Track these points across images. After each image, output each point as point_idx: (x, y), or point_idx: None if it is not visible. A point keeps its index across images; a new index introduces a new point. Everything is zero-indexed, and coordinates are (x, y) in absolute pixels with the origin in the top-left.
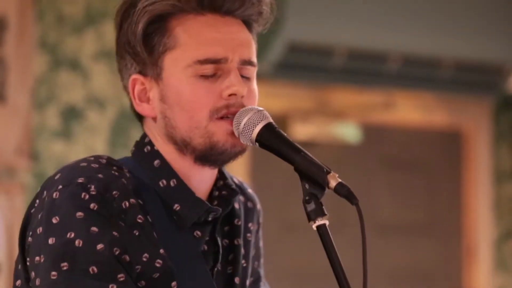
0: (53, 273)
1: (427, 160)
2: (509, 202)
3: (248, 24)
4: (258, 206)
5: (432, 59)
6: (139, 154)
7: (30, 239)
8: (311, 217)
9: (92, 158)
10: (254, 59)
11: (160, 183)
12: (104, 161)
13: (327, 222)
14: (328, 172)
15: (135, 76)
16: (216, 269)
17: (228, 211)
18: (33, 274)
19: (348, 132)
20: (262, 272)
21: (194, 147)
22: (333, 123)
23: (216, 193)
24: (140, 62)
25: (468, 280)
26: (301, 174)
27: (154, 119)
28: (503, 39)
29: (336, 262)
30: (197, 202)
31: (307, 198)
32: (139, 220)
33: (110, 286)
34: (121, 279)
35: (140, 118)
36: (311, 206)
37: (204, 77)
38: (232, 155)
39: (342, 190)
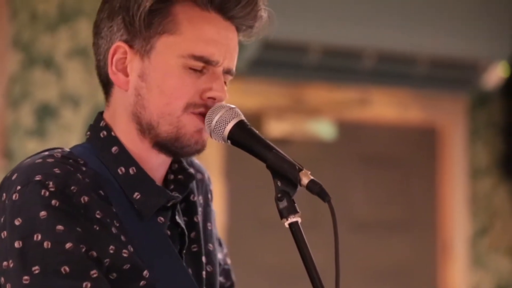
0: (25, 277)
1: (403, 157)
2: (484, 198)
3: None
4: (206, 174)
5: (407, 55)
6: (95, 140)
7: None
8: (283, 215)
9: (47, 153)
10: (234, 68)
11: (119, 170)
12: (59, 155)
13: (299, 220)
14: (300, 170)
15: (119, 43)
16: (184, 250)
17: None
18: (2, 279)
19: (323, 129)
20: (218, 234)
21: (158, 133)
22: (308, 120)
23: (171, 176)
24: (131, 32)
25: (444, 277)
26: (273, 172)
27: (125, 91)
28: (478, 35)
29: (308, 260)
30: (158, 191)
31: (279, 195)
32: (98, 216)
33: (84, 284)
34: (94, 275)
35: (106, 88)
36: (283, 204)
37: (192, 70)
38: (191, 152)
39: (314, 188)
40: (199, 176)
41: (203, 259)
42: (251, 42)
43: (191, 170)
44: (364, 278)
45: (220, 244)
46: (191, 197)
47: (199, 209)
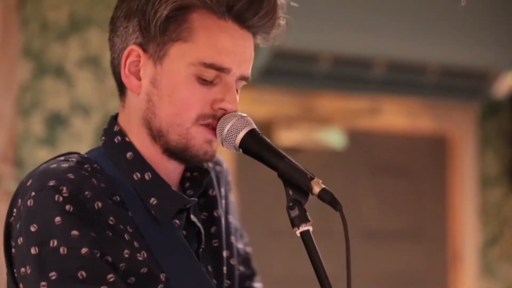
0: (43, 283)
1: (413, 166)
2: (494, 207)
3: (253, 35)
4: (225, 165)
5: (418, 64)
6: (110, 145)
7: (13, 250)
8: (294, 223)
9: (62, 158)
10: (250, 74)
11: (134, 176)
12: (74, 160)
13: (311, 228)
14: (312, 178)
15: (133, 47)
16: (201, 249)
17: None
18: (21, 285)
19: (334, 138)
20: (238, 223)
21: (167, 141)
22: (318, 129)
23: (188, 174)
24: (146, 36)
25: (454, 285)
26: (285, 180)
27: (137, 95)
28: (488, 44)
29: (320, 268)
30: (175, 196)
31: (290, 204)
32: (111, 222)
33: None
34: (111, 279)
35: (121, 88)
36: (295, 212)
37: (203, 81)
38: (199, 161)
39: (326, 196)
40: (218, 168)
41: (225, 253)
42: (266, 46)
43: (207, 166)
44: (374, 287)
45: (241, 235)
46: (210, 192)
47: (222, 202)
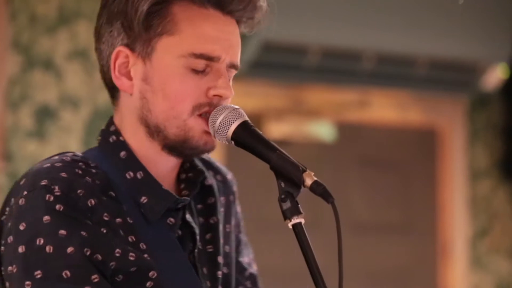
0: (27, 282)
1: (402, 159)
2: (484, 200)
3: (238, 23)
4: (229, 176)
5: (407, 57)
6: (105, 145)
7: (2, 248)
8: (286, 216)
9: (56, 157)
10: (239, 62)
11: (127, 175)
12: (68, 158)
13: (303, 221)
14: (304, 171)
15: (120, 48)
16: (196, 249)
17: (198, 190)
18: (7, 284)
19: (323, 130)
20: (243, 237)
21: (166, 135)
22: (308, 122)
23: (183, 175)
24: (131, 36)
25: (444, 278)
26: (277, 173)
27: (130, 95)
28: (477, 37)
29: (312, 261)
30: (165, 195)
31: (282, 196)
32: (105, 218)
33: None
34: (95, 280)
35: (112, 92)
36: (287, 205)
37: (195, 71)
38: (200, 152)
39: (318, 189)
40: (219, 177)
41: (220, 259)
42: (253, 33)
43: (201, 167)
44: (364, 280)
45: (247, 248)
46: (208, 200)
47: (221, 210)
